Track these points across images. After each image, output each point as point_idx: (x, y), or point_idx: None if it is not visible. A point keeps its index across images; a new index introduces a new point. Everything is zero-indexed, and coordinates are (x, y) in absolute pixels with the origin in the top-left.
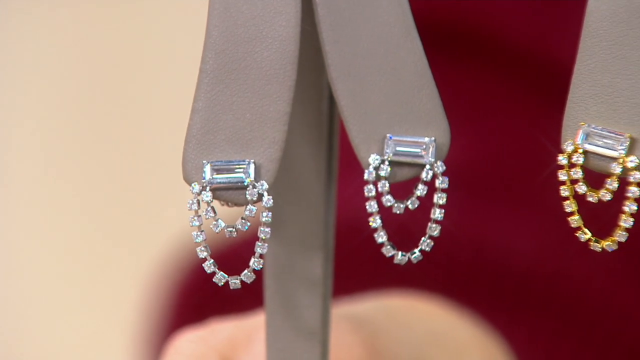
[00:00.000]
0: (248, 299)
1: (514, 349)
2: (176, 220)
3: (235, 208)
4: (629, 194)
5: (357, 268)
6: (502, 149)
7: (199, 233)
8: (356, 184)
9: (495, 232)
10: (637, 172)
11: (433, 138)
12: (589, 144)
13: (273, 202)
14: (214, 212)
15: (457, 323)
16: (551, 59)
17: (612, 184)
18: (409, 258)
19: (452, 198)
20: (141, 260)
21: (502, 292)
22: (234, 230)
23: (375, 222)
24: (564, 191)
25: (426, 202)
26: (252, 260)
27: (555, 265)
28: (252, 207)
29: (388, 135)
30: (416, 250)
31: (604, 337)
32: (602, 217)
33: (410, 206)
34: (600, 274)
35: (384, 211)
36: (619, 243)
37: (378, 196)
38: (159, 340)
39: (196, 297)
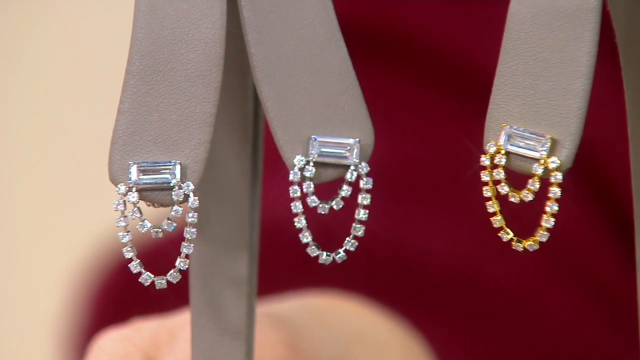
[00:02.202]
0: (173, 299)
1: (433, 347)
2: (102, 220)
3: (162, 208)
4: (551, 195)
5: (282, 268)
6: (426, 150)
7: (125, 233)
8: (281, 185)
9: (417, 232)
10: (558, 173)
11: (357, 139)
12: (511, 145)
13: (199, 203)
14: (140, 213)
15: (378, 322)
16: (473, 60)
17: (534, 185)
18: (333, 258)
19: (376, 198)
20: (66, 260)
21: (422, 290)
22: (159, 230)
23: (300, 222)
24: (487, 192)
25: (351, 203)
26: (178, 260)
27: (475, 265)
28: (178, 207)
29: (313, 136)
30: (340, 251)
31: (522, 336)
32: (524, 218)
33: (334, 207)
34: (519, 273)
35: (309, 212)
36: (540, 243)
37: (303, 197)
38: (83, 340)
39: (121, 297)
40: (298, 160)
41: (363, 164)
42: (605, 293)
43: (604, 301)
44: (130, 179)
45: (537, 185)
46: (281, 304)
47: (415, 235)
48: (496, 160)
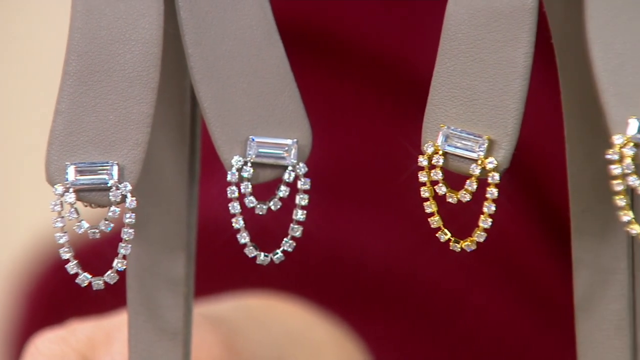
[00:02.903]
0: (110, 299)
1: (369, 347)
2: (39, 221)
3: (99, 209)
4: (488, 195)
5: (220, 269)
6: (364, 151)
7: (62, 234)
8: (219, 186)
9: (354, 233)
10: (496, 174)
11: (295, 140)
12: (449, 145)
13: (136, 203)
14: (77, 213)
15: (314, 322)
16: (411, 61)
17: (471, 185)
18: (271, 259)
19: (313, 199)
20: (2, 261)
21: (359, 291)
22: (97, 231)
23: (238, 223)
24: (424, 192)
25: (288, 203)
26: (116, 261)
27: (411, 265)
28: (115, 208)
29: (251, 137)
30: (278, 251)
31: (457, 336)
32: (461, 218)
33: (272, 207)
34: (455, 274)
35: (247, 212)
36: (477, 243)
37: (241, 197)
38: (20, 341)
39: (57, 298)
40: (236, 160)
41: (301, 164)
42: (540, 294)
43: (539, 302)
44: (67, 180)
45: (475, 186)
46: (218, 305)
47: (351, 235)
48: (434, 161)
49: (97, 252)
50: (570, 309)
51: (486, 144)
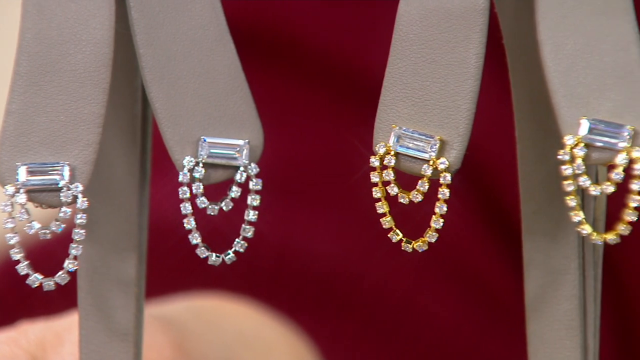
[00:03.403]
0: (61, 300)
1: (319, 348)
2: None
3: (50, 209)
4: (440, 196)
5: (171, 269)
6: (316, 152)
7: (12, 235)
8: (170, 186)
9: (307, 234)
10: (447, 174)
11: (247, 140)
12: (401, 146)
13: (87, 204)
14: (28, 214)
15: (265, 323)
16: (363, 62)
17: (423, 186)
18: (222, 259)
19: (265, 200)
20: None
21: (309, 292)
22: (48, 232)
23: (190, 223)
24: (376, 193)
25: (240, 204)
26: (67, 262)
27: (361, 266)
28: (66, 209)
29: (202, 137)
30: (230, 252)
31: (406, 336)
32: (413, 219)
33: (224, 208)
34: (404, 274)
35: (199, 212)
36: (429, 244)
37: (192, 198)
38: None
39: (8, 298)
40: (187, 161)
41: (252, 165)
42: (491, 294)
43: (489, 303)
44: (18, 180)
45: (427, 186)
46: (168, 306)
47: (302, 236)
48: (386, 162)
49: (48, 253)
50: (521, 309)
51: (438, 145)
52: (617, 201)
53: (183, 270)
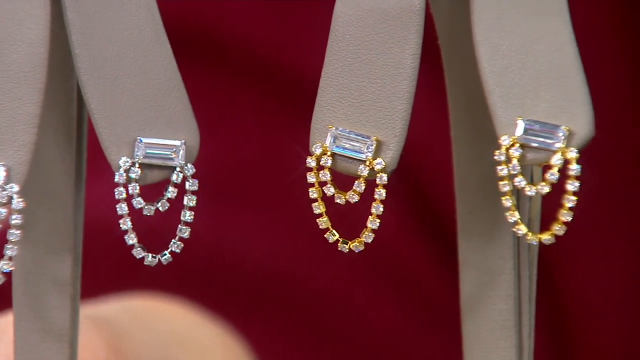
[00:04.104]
0: None
1: (254, 349)
2: None
3: None
4: (376, 196)
5: (107, 270)
6: (253, 153)
7: None
8: (106, 187)
9: (242, 235)
10: (384, 175)
11: (183, 141)
12: (337, 146)
13: (23, 205)
14: None
15: (200, 323)
16: (300, 63)
17: (360, 186)
18: (159, 260)
19: (201, 200)
20: None
21: (244, 293)
22: None
23: (126, 224)
24: (313, 193)
25: (177, 204)
26: (1, 262)
27: (297, 266)
28: (1, 209)
29: (138, 137)
30: (166, 252)
31: (340, 337)
32: (350, 219)
33: (160, 208)
34: (338, 275)
35: (135, 213)
36: (365, 244)
37: (128, 198)
38: None
39: None
40: (123, 161)
41: (189, 165)
42: (425, 295)
43: (423, 303)
44: None
45: (363, 187)
46: (103, 306)
47: (239, 237)
48: (322, 162)
49: None
50: (456, 310)
51: (374, 145)
52: (551, 202)
53: (118, 271)
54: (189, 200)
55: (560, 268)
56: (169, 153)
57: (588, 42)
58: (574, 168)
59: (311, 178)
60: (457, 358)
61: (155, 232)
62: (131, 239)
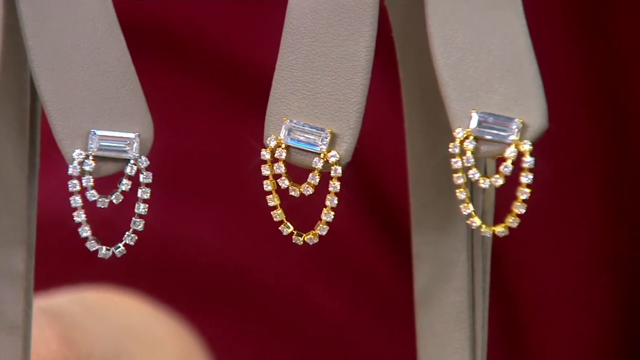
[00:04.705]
0: None
1: (208, 342)
2: None
3: None
4: (331, 188)
5: (61, 262)
6: (207, 145)
7: None
8: (60, 179)
9: (196, 227)
10: (338, 167)
11: (137, 133)
12: (291, 139)
13: None
14: None
15: (153, 315)
16: (254, 57)
17: (314, 179)
18: (112, 252)
19: (155, 193)
20: None
21: (198, 285)
22: None
23: (79, 216)
24: (267, 185)
25: (132, 197)
26: None
27: (251, 259)
28: None
29: (92, 130)
30: (120, 245)
31: (293, 330)
32: (304, 212)
33: (114, 201)
34: (292, 268)
35: (89, 205)
36: (320, 236)
37: (82, 191)
38: None
39: None
40: (77, 154)
41: (143, 158)
42: (379, 288)
43: (377, 297)
44: None
45: (317, 179)
46: (55, 298)
47: (192, 229)
48: (276, 155)
49: None
50: (410, 303)
51: (329, 138)
52: (504, 194)
53: (72, 264)
54: (143, 193)
55: (513, 260)
56: (123, 145)
57: (541, 34)
58: (528, 160)
59: (265, 171)
60: (411, 351)
61: (109, 224)
62: (85, 231)
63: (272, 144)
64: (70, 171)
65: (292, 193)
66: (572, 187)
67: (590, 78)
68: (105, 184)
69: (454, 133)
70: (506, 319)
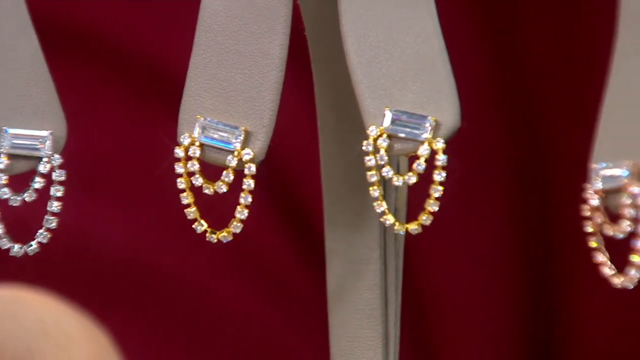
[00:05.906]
0: None
1: (118, 340)
2: None
3: None
4: (244, 187)
5: None
6: (121, 144)
7: None
8: None
9: (108, 226)
10: (252, 165)
11: (50, 131)
12: (205, 137)
13: None
14: None
15: (65, 313)
16: (166, 55)
17: (228, 177)
18: (25, 250)
19: (68, 191)
20: None
21: (109, 284)
22: None
23: None
24: (181, 183)
25: (45, 194)
26: None
27: (162, 258)
28: None
29: (4, 128)
30: (33, 243)
31: (203, 329)
32: (218, 210)
33: (27, 199)
34: (201, 266)
35: (1, 204)
36: (233, 234)
37: None
38: None
39: None
40: None
41: (56, 156)
42: (290, 286)
43: (289, 295)
44: None
45: (231, 177)
46: None
47: (106, 228)
48: (190, 153)
49: None
50: (323, 300)
51: (243, 136)
52: (416, 191)
53: None
54: (56, 191)
55: (423, 257)
56: (36, 143)
57: (454, 33)
58: (441, 158)
59: (179, 168)
60: (324, 349)
61: (22, 222)
62: None
63: (186, 141)
64: None
65: (206, 191)
66: (484, 185)
67: (501, 77)
68: (20, 182)
69: (368, 131)
70: (417, 317)
